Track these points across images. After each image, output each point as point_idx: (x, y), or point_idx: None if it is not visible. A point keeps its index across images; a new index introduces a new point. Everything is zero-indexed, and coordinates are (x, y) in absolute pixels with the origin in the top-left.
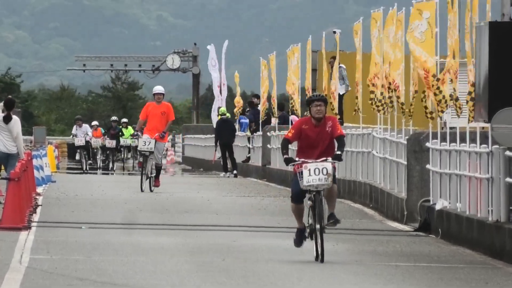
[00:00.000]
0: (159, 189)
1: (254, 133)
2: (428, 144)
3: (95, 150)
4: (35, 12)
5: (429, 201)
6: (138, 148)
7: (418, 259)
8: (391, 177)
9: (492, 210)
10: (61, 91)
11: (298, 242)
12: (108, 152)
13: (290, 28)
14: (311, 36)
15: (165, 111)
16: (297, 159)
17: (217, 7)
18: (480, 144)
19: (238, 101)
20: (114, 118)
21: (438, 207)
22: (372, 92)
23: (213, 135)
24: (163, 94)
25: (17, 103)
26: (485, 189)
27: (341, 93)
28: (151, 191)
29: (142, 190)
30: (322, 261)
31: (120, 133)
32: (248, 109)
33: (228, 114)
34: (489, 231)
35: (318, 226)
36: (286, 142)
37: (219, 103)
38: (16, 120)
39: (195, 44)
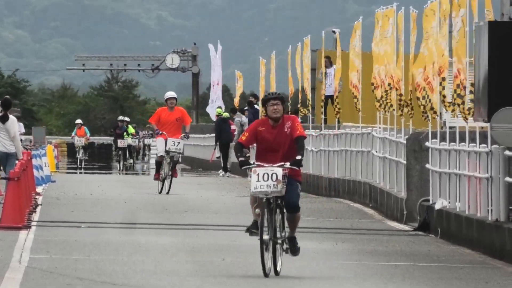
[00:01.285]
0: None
1: None
2: (427, 144)
3: (77, 149)
4: (36, 12)
5: (428, 200)
6: (167, 148)
7: (417, 259)
8: (390, 176)
9: (491, 210)
10: (63, 90)
11: (255, 228)
12: (120, 152)
13: (290, 28)
14: (310, 35)
15: (179, 117)
16: (252, 162)
17: (217, 6)
18: (480, 143)
19: (236, 101)
20: (121, 117)
21: (437, 206)
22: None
23: (213, 135)
24: (175, 99)
25: (21, 105)
26: (485, 188)
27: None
28: (167, 193)
29: (167, 192)
30: (277, 274)
31: (126, 133)
32: (246, 108)
33: (226, 114)
34: (489, 230)
35: (266, 238)
36: (239, 146)
37: (219, 102)
38: (13, 120)
39: (194, 43)
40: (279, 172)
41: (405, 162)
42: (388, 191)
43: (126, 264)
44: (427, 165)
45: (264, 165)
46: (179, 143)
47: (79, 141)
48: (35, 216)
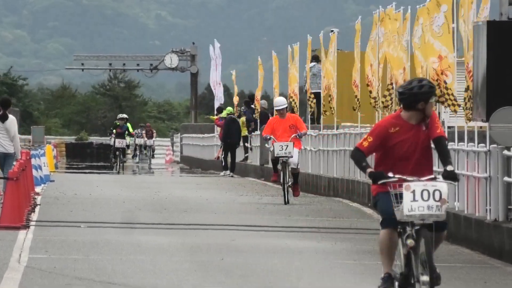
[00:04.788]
0: (158, 188)
1: (252, 133)
2: None
3: None
4: (34, 11)
5: None
6: (275, 154)
7: None
8: None
9: (490, 209)
10: (62, 90)
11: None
12: (117, 153)
13: (290, 28)
14: (309, 35)
15: (293, 123)
16: (390, 174)
17: (216, 6)
18: (478, 143)
19: (236, 100)
20: (120, 115)
21: (373, 200)
22: (370, 91)
23: (212, 134)
24: (286, 108)
25: (18, 105)
26: (483, 188)
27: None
28: (288, 202)
29: (287, 202)
30: None
31: (127, 132)
32: (243, 108)
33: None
34: (488, 230)
35: (424, 279)
36: (360, 155)
37: (220, 102)
38: (12, 119)
39: (193, 43)
40: (444, 189)
41: None
42: None
43: (125, 264)
44: None
45: (408, 178)
46: (287, 146)
47: None
48: (34, 216)
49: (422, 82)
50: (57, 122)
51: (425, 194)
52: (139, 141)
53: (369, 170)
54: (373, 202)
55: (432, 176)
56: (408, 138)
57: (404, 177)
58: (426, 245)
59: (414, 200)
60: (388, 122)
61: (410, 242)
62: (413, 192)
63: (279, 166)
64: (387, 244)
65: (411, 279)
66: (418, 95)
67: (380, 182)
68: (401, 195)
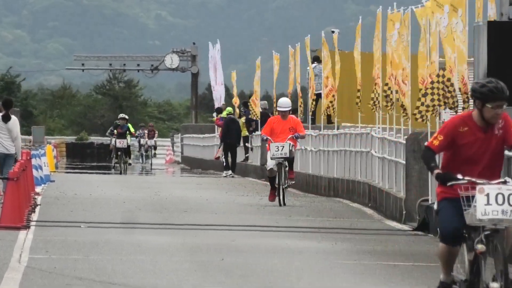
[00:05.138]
0: (158, 188)
1: (253, 133)
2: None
3: None
4: (34, 11)
5: (427, 200)
6: (271, 156)
7: (416, 259)
8: (389, 176)
9: None
10: (63, 90)
11: None
12: (119, 153)
13: (290, 28)
14: (309, 35)
15: (293, 126)
16: (459, 176)
17: (216, 6)
18: None
19: (235, 101)
20: (121, 115)
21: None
22: (384, 91)
23: (212, 135)
24: (289, 111)
25: (15, 103)
26: None
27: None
28: (284, 204)
29: (283, 204)
30: None
31: (128, 132)
32: (242, 108)
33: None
34: None
35: (494, 285)
36: (431, 154)
37: (219, 103)
38: (15, 119)
39: (193, 43)
40: None
41: (404, 162)
42: (387, 191)
43: (125, 264)
44: None
45: (478, 181)
46: (283, 147)
47: None
48: (34, 216)
49: (488, 83)
50: (64, 124)
51: (500, 198)
52: (143, 141)
53: (436, 171)
54: (436, 209)
55: (502, 180)
56: (476, 140)
57: (474, 179)
58: (502, 251)
59: (488, 203)
60: (458, 120)
61: (481, 247)
62: (487, 195)
63: (275, 167)
64: (446, 257)
65: (476, 285)
66: (476, 92)
67: (449, 184)
68: (472, 197)
